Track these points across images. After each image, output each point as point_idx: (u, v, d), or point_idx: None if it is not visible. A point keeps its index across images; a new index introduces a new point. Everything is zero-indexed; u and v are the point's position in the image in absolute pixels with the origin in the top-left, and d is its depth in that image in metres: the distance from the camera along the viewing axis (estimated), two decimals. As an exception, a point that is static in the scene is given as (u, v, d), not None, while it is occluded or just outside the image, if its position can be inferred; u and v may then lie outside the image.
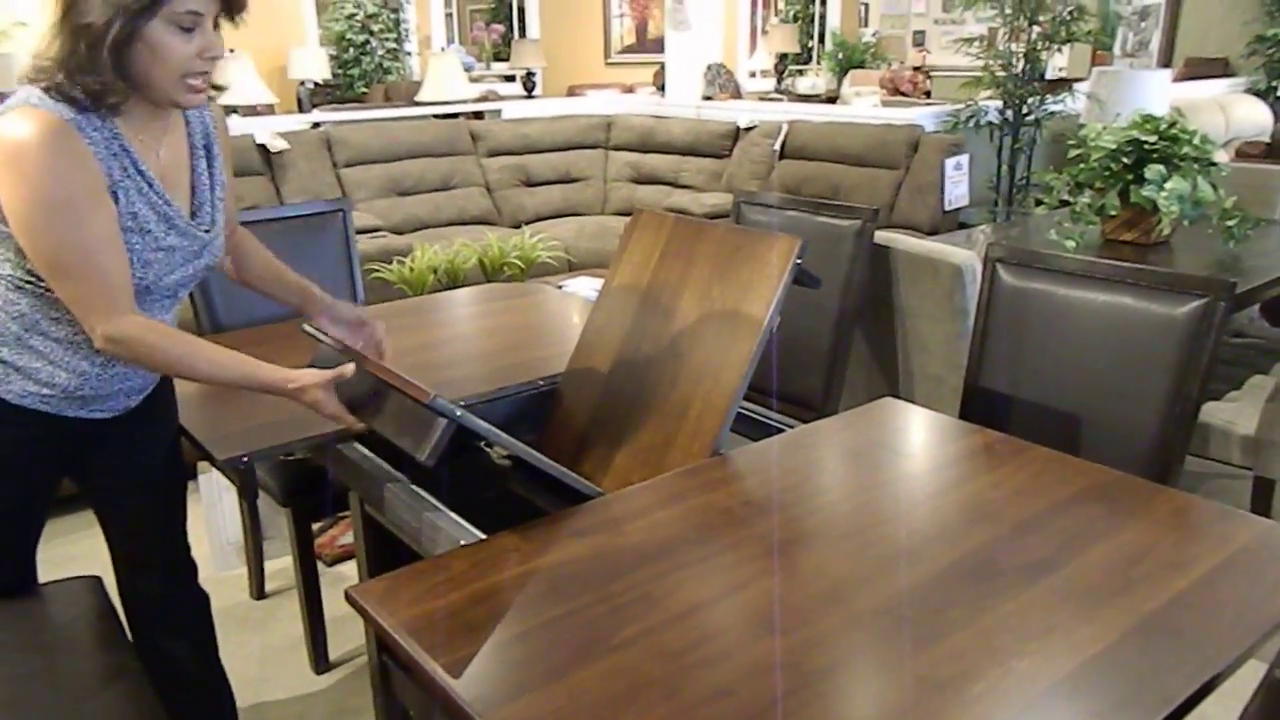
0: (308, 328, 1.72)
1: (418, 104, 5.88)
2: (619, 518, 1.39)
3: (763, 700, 1.00)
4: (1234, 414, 2.51)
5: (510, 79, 9.32)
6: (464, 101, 5.89)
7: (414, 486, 1.55)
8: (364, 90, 8.77)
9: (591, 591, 1.20)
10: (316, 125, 4.85)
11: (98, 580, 1.81)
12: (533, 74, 7.93)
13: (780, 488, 1.50)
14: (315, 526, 2.31)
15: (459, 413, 1.36)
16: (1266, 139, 4.28)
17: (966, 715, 0.98)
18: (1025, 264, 1.88)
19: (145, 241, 1.44)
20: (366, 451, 1.69)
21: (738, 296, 1.66)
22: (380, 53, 9.10)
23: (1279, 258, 2.94)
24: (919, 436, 1.69)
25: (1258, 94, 6.65)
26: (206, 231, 1.54)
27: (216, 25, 1.39)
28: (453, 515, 1.46)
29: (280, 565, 2.72)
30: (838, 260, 2.36)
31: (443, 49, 8.84)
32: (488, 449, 1.88)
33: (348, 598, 1.22)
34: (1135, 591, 1.19)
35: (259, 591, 2.62)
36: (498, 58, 10.32)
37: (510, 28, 11.13)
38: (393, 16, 9.54)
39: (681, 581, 1.22)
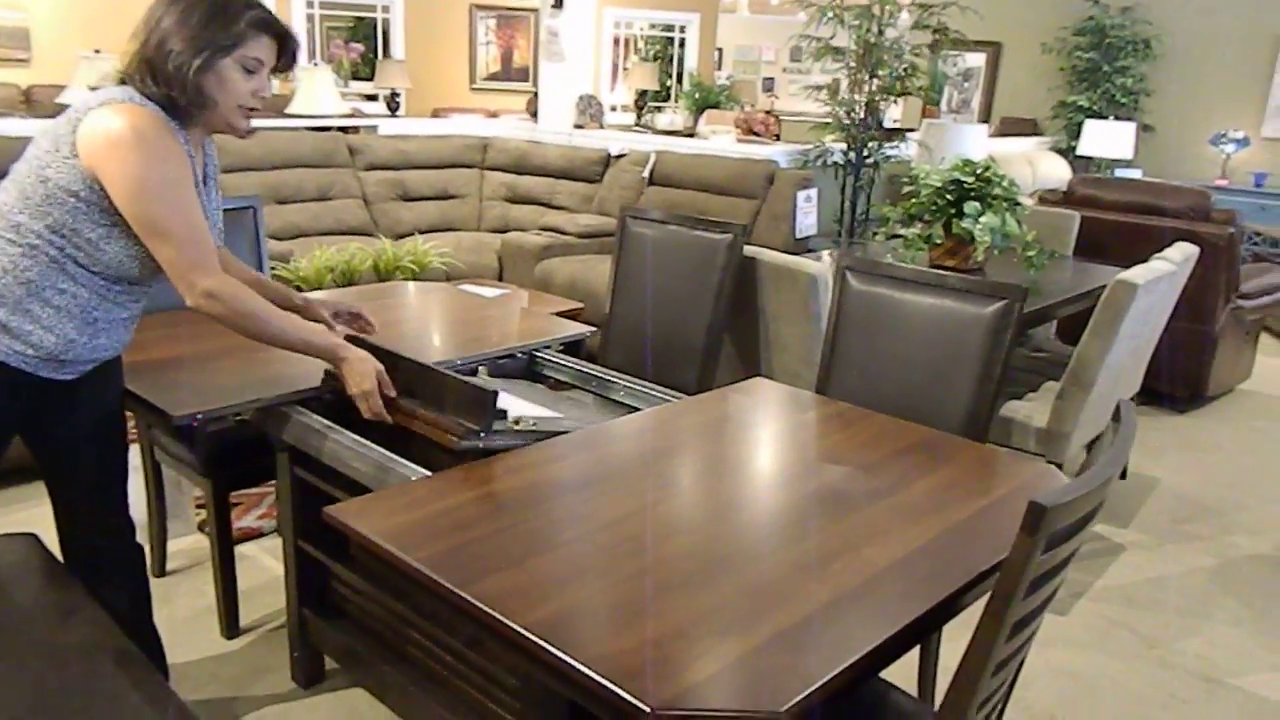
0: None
1: (287, 116, 5.95)
2: (548, 459, 1.66)
3: (675, 577, 1.31)
4: (1031, 411, 3.01)
5: (373, 98, 9.40)
6: (334, 116, 6.00)
7: (361, 439, 1.79)
8: (224, 100, 8.67)
9: (533, 509, 1.48)
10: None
11: (34, 536, 1.93)
12: (397, 94, 8.07)
13: (676, 440, 1.81)
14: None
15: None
16: (1064, 189, 4.97)
17: (830, 582, 1.31)
18: (869, 272, 2.27)
19: None
20: (309, 412, 1.90)
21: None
22: (240, 65, 9.03)
23: (1068, 284, 3.51)
24: (785, 405, 2.04)
25: (1060, 152, 7.56)
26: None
27: (271, 74, 1.70)
28: (401, 459, 1.70)
29: (179, 545, 2.84)
30: (711, 269, 2.72)
31: (315, 64, 8.86)
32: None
33: (326, 516, 1.45)
34: (948, 508, 1.56)
35: (160, 569, 2.72)
36: (356, 76, 10.36)
37: (371, 48, 11.19)
38: (254, 30, 9.45)
39: (605, 503, 1.51)
